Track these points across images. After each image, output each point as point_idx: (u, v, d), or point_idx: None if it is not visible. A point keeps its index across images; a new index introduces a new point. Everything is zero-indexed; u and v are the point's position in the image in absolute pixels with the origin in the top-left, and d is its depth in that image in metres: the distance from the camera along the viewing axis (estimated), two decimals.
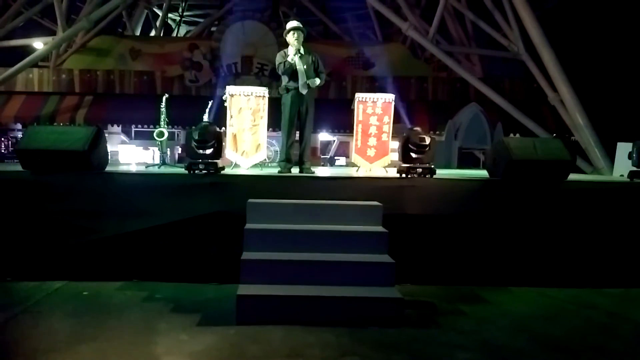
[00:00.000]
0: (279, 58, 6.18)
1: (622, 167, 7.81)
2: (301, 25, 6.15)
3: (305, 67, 6.05)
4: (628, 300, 4.66)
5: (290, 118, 6.18)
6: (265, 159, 7.32)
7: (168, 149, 8.01)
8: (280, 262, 4.09)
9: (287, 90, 6.16)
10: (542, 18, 11.18)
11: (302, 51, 6.08)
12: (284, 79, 6.19)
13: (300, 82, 6.07)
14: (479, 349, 3.35)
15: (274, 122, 7.31)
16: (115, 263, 4.82)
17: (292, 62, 6.00)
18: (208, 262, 4.82)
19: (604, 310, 4.30)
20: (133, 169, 7.42)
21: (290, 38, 6.08)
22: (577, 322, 3.99)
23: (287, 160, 6.31)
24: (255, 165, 6.83)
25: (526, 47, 11.57)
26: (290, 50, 6.08)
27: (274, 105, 6.80)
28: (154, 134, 7.44)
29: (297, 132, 6.42)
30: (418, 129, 5.79)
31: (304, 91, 6.08)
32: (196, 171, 5.41)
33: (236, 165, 6.72)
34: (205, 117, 7.12)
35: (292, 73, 6.07)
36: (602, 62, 12.58)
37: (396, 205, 4.94)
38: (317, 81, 6.13)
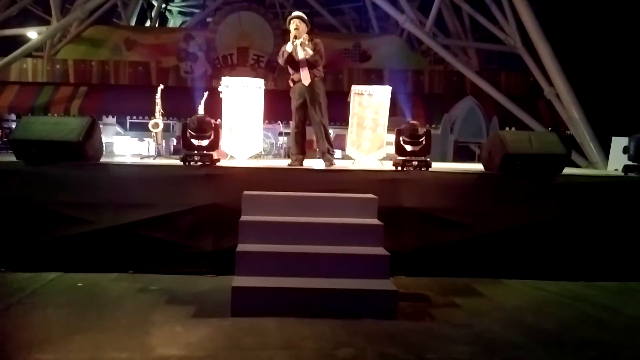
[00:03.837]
0: (281, 50, 6.06)
1: (616, 161, 7.83)
2: (301, 14, 6.02)
3: (307, 58, 5.89)
4: (621, 293, 4.70)
5: (295, 110, 6.08)
6: (261, 151, 7.29)
7: (163, 141, 7.96)
8: (276, 254, 4.10)
9: (294, 82, 6.04)
10: (539, 12, 11.16)
11: (304, 40, 5.90)
12: (290, 71, 6.06)
13: (302, 73, 5.94)
14: (473, 342, 3.37)
15: (269, 114, 7.26)
16: (110, 254, 4.81)
17: (289, 51, 5.88)
18: (203, 253, 4.82)
19: (597, 304, 4.33)
20: (128, 160, 7.39)
21: (290, 27, 5.97)
22: (569, 315, 4.03)
23: (297, 153, 6.17)
24: (250, 158, 6.82)
25: (523, 41, 11.55)
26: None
27: (270, 97, 6.75)
28: (149, 126, 7.40)
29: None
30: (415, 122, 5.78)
31: (306, 82, 5.94)
32: (191, 163, 5.38)
33: (232, 157, 6.70)
34: (200, 109, 7.08)
35: (294, 64, 5.95)
36: (599, 56, 12.59)
37: (391, 198, 4.95)
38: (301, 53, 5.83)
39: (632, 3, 11.21)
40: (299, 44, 5.82)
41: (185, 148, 5.58)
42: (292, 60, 5.92)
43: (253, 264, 4.01)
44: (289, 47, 5.87)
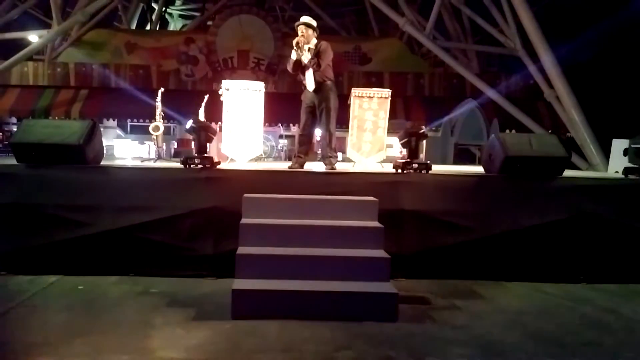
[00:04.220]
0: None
1: (617, 164, 7.83)
2: (307, 21, 5.93)
3: (306, 63, 5.85)
4: (621, 296, 4.69)
5: (303, 112, 6.04)
6: (261, 154, 7.30)
7: (164, 144, 7.97)
8: (276, 256, 4.09)
9: (305, 87, 6.01)
10: (539, 14, 11.17)
11: (302, 45, 5.81)
12: (301, 77, 6.01)
13: (307, 78, 5.92)
14: (474, 344, 3.37)
15: (270, 117, 7.26)
16: (110, 257, 4.81)
17: (294, 58, 5.86)
18: (204, 256, 4.82)
19: (598, 306, 4.33)
20: (128, 163, 7.40)
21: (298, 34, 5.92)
22: (570, 317, 4.02)
23: (296, 156, 6.16)
24: (251, 160, 6.82)
25: (523, 44, 11.57)
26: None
27: (270, 100, 6.74)
28: (150, 129, 7.41)
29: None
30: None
31: (310, 87, 5.90)
32: (192, 166, 5.39)
33: (232, 160, 6.71)
34: (201, 112, 7.09)
35: (303, 70, 5.91)
36: (599, 59, 12.60)
37: (392, 201, 4.95)
38: (297, 55, 5.83)
39: (632, 5, 11.22)
40: (299, 50, 5.80)
41: (200, 152, 5.55)
42: (299, 66, 5.90)
43: (253, 266, 4.01)
44: (293, 55, 5.87)
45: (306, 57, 5.79)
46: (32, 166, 5.12)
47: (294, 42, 5.82)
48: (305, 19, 5.99)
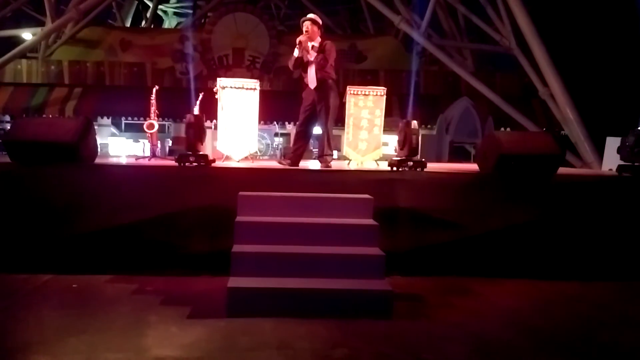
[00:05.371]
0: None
1: (611, 162, 7.88)
2: (312, 17, 5.91)
3: (308, 60, 5.81)
4: (616, 293, 4.71)
5: (302, 111, 6.02)
6: (256, 152, 7.29)
7: (158, 142, 7.95)
8: (271, 254, 4.09)
9: (306, 84, 5.98)
10: (533, 13, 11.21)
11: (303, 42, 5.80)
12: (303, 74, 5.99)
13: (309, 76, 5.91)
14: (469, 342, 3.37)
15: (265, 115, 7.27)
16: (105, 256, 4.79)
17: (296, 56, 5.84)
18: (199, 254, 4.81)
19: (593, 303, 4.34)
20: (123, 161, 7.37)
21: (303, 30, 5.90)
22: (565, 314, 4.03)
23: (291, 152, 6.15)
24: (246, 158, 6.82)
25: (518, 42, 11.62)
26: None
27: (265, 98, 6.75)
28: (144, 127, 7.39)
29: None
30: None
31: (311, 85, 5.89)
32: (187, 164, 5.38)
33: (227, 158, 6.70)
34: (196, 110, 7.08)
35: (305, 67, 5.89)
36: (593, 57, 12.65)
37: (387, 198, 4.95)
38: (300, 53, 5.84)
39: (626, 3, 11.27)
40: (302, 49, 5.77)
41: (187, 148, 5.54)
42: (301, 64, 5.88)
43: (248, 264, 4.00)
44: (295, 53, 5.85)
45: (312, 55, 5.77)
46: (26, 164, 5.09)
47: (297, 40, 5.81)
48: (311, 15, 5.97)
